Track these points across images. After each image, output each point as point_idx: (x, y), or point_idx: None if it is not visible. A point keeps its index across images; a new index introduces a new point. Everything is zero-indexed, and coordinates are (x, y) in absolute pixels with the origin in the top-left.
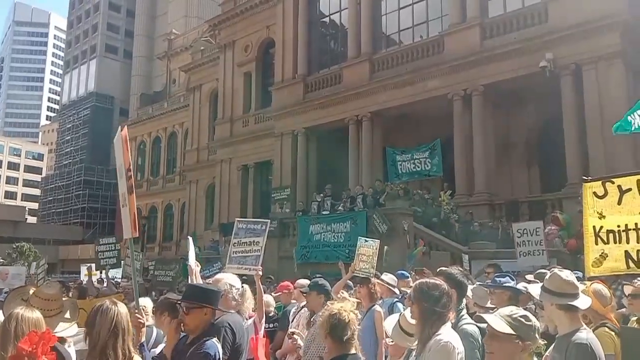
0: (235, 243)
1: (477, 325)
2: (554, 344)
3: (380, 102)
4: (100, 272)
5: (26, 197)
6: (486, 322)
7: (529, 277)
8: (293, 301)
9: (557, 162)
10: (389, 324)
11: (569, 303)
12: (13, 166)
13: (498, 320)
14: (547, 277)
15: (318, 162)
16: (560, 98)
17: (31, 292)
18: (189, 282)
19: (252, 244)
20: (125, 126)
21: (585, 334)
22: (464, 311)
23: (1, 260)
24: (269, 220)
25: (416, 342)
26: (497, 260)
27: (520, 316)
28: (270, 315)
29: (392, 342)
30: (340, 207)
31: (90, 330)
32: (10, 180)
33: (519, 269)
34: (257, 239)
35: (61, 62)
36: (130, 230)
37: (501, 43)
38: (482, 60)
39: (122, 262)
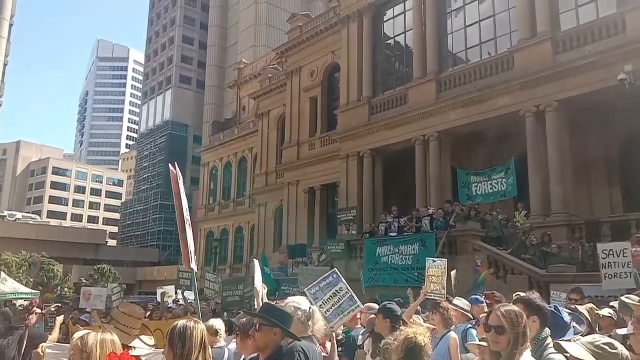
0: (321, 305)
1: (564, 355)
2: None
3: (447, 122)
4: (175, 293)
5: (107, 221)
6: (566, 351)
7: (614, 303)
8: (358, 326)
9: None
10: None
11: None
12: (95, 192)
13: (579, 349)
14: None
15: (384, 183)
16: None
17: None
18: (256, 304)
19: (337, 293)
20: (176, 164)
21: None
22: (549, 339)
23: (84, 281)
24: (335, 269)
25: None
26: (578, 284)
27: (604, 343)
28: (339, 339)
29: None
30: (408, 229)
31: (174, 346)
32: (92, 205)
33: (604, 293)
34: (337, 287)
35: (139, 94)
36: (192, 262)
37: (575, 57)
38: (555, 75)
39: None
